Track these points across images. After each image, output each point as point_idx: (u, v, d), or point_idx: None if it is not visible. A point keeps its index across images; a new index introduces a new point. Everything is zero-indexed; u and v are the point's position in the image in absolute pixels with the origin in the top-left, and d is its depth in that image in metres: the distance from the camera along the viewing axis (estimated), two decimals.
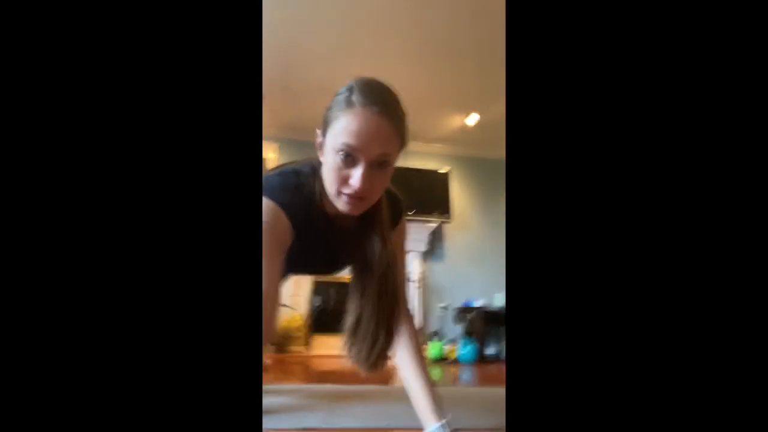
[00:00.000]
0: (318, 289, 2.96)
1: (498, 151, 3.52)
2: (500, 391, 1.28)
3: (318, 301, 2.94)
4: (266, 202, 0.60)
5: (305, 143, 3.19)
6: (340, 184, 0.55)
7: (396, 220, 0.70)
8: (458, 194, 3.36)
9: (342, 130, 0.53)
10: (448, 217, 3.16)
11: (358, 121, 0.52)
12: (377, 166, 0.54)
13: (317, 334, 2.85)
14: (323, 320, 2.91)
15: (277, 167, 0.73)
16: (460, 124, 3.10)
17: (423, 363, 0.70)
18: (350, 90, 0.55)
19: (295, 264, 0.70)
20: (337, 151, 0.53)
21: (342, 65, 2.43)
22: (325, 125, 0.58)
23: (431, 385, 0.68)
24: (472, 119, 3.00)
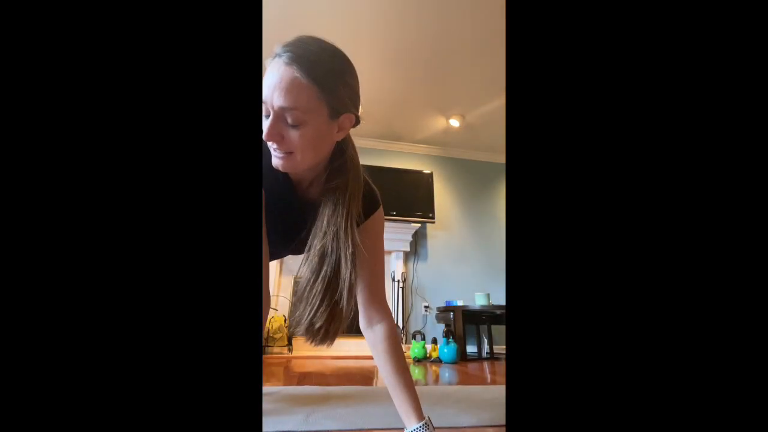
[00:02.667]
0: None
1: (481, 152, 3.57)
2: (481, 390, 1.30)
3: None
4: None
5: None
6: (266, 137, 0.52)
7: (369, 211, 0.69)
8: (441, 195, 3.39)
9: (263, 83, 0.51)
10: (432, 218, 3.18)
11: (270, 72, 0.50)
12: (286, 120, 0.51)
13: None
14: None
15: None
16: (444, 126, 3.13)
17: (403, 362, 0.70)
18: (280, 47, 0.52)
19: (269, 241, 0.65)
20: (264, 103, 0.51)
21: None
22: None
23: (412, 384, 0.68)
24: (456, 121, 3.03)
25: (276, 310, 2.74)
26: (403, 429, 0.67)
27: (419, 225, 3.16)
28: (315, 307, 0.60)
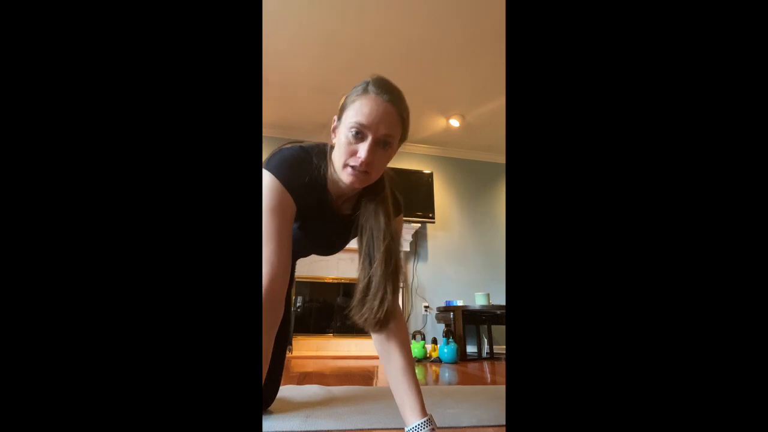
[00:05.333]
0: (300, 289, 2.93)
1: (481, 152, 3.57)
2: (481, 390, 1.30)
3: (300, 301, 2.90)
4: (272, 181, 0.65)
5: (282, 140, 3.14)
6: (348, 156, 0.65)
7: (396, 213, 0.82)
8: (441, 195, 3.39)
9: (357, 111, 0.64)
10: (432, 218, 3.18)
11: (371, 105, 0.64)
12: (381, 144, 0.65)
13: (299, 335, 2.82)
14: (305, 321, 2.88)
15: (285, 143, 0.76)
16: (444, 126, 3.13)
17: (411, 358, 0.74)
18: (367, 83, 0.67)
19: (299, 245, 0.76)
20: (350, 128, 0.64)
21: (325, 64, 2.41)
22: (341, 110, 0.68)
23: (417, 382, 0.72)
24: (456, 121, 3.03)
25: None
26: (402, 429, 0.67)
27: (419, 225, 3.16)
28: (381, 298, 0.71)
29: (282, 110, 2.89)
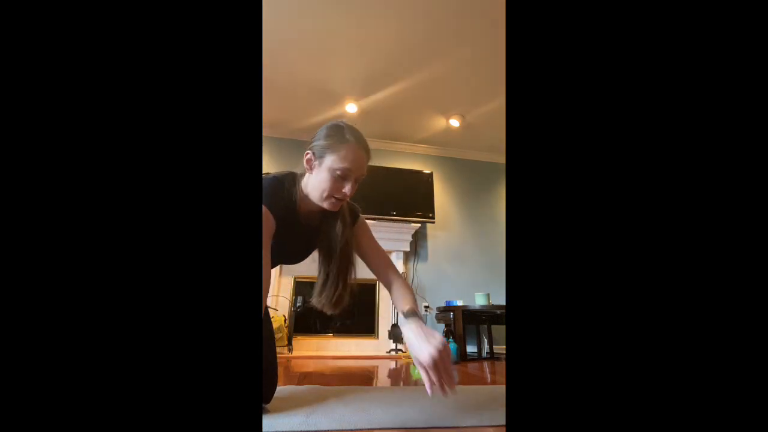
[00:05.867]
0: (299, 289, 2.93)
1: (481, 152, 3.57)
2: (481, 390, 1.30)
3: (300, 301, 2.90)
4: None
5: (284, 140, 3.15)
6: (334, 191, 0.86)
7: (354, 220, 1.02)
8: (441, 195, 3.39)
9: (342, 158, 0.84)
10: (432, 218, 3.18)
11: (354, 154, 0.85)
12: (356, 182, 0.88)
13: (299, 335, 2.82)
14: (305, 321, 2.88)
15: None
16: (444, 126, 3.13)
17: (409, 287, 0.96)
18: (342, 129, 0.87)
19: (274, 255, 0.91)
20: (336, 171, 0.84)
21: (325, 64, 2.41)
22: (322, 149, 0.85)
23: (413, 294, 0.93)
24: (456, 121, 3.03)
25: (276, 310, 2.74)
26: (404, 428, 0.67)
27: (419, 225, 3.16)
28: (336, 288, 0.93)
29: (282, 110, 2.89)
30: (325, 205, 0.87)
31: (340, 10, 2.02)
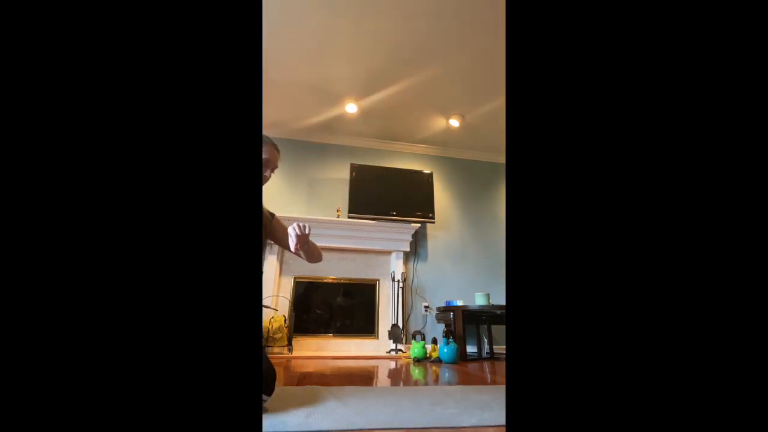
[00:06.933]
0: (299, 289, 2.93)
1: (481, 152, 3.57)
2: (481, 390, 1.30)
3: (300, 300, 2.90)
4: None
5: (284, 140, 3.16)
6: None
7: (271, 217, 1.35)
8: (441, 195, 3.39)
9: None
10: (432, 218, 3.18)
11: (269, 151, 1.19)
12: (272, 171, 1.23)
13: (299, 335, 2.82)
14: (305, 321, 2.88)
15: None
16: (444, 126, 3.13)
17: (312, 244, 1.26)
18: (264, 139, 1.22)
19: None
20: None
21: (325, 64, 2.41)
22: None
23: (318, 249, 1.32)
24: (456, 121, 3.03)
25: (276, 310, 2.74)
26: (404, 428, 0.67)
27: (419, 225, 3.16)
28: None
29: (282, 110, 2.89)
30: None
31: (340, 11, 2.02)
